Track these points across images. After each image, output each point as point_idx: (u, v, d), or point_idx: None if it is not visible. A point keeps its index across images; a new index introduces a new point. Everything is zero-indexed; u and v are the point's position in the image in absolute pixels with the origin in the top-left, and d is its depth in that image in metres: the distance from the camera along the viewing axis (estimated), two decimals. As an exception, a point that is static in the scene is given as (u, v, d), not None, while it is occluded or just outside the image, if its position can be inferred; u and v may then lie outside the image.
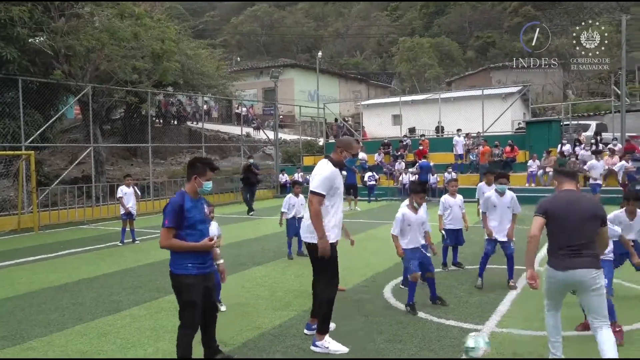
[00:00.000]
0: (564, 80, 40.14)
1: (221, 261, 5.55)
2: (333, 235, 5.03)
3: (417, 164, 20.57)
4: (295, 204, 9.86)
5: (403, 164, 22.46)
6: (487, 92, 26.71)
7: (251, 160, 19.18)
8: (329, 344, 5.01)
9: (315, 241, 4.93)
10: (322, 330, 5.07)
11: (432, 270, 6.45)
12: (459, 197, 8.40)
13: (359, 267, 8.63)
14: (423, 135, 25.75)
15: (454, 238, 8.33)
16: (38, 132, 16.35)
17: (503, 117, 25.10)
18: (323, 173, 4.98)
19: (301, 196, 9.85)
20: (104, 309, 6.62)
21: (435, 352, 4.94)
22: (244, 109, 31.67)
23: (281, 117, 32.68)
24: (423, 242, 6.46)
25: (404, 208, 6.43)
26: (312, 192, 4.94)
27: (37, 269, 9.34)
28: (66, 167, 20.00)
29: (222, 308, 6.32)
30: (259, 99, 41.26)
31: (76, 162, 19.22)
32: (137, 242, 11.97)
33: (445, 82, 48.10)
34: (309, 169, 25.64)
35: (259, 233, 13.08)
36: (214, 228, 6.04)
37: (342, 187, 5.20)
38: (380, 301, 6.74)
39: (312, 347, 5.05)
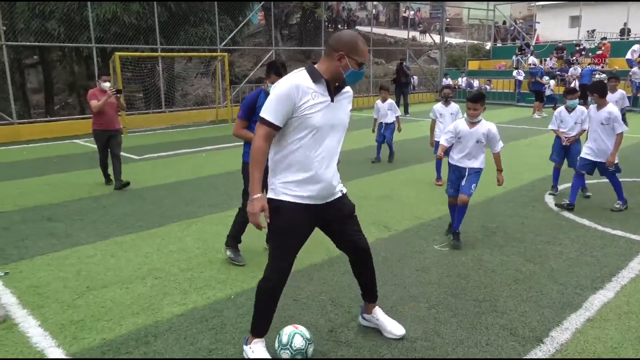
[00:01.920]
0: None
1: None
2: (289, 192, 2.85)
3: (581, 70, 18.05)
4: (381, 109, 9.11)
5: (579, 69, 19.86)
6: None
7: (403, 62, 18.62)
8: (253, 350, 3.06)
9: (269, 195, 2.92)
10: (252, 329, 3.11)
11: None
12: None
13: (520, 172, 8.20)
14: (605, 38, 22.28)
15: None
16: (230, 36, 17.55)
17: None
18: (277, 89, 2.73)
19: (388, 101, 9.12)
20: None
21: (597, 258, 4.63)
22: (412, 13, 30.15)
23: (448, 20, 30.59)
24: None
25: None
26: (259, 118, 2.76)
27: (232, 153, 10.47)
28: (252, 68, 21.43)
29: None
30: (426, 1, 38.87)
31: (260, 64, 20.45)
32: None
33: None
34: (473, 74, 24.16)
35: (421, 134, 12.94)
36: None
37: (327, 118, 2.81)
38: (540, 205, 6.41)
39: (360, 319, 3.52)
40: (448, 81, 23.48)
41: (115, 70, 13.30)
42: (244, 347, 3.12)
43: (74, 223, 5.86)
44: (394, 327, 3.35)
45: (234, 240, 4.71)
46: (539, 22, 28.38)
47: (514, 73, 21.77)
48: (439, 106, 7.58)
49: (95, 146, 7.81)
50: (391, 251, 4.87)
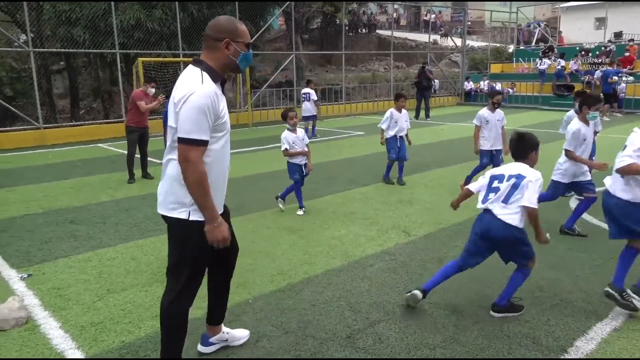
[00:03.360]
0: None
1: None
2: (217, 203, 2.69)
3: (599, 73, 17.59)
4: (399, 121, 7.94)
5: (610, 68, 19.44)
6: None
7: (425, 65, 18.46)
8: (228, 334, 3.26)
9: (181, 216, 2.64)
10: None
11: None
12: None
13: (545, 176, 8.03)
14: (632, 39, 21.76)
15: None
16: (251, 41, 17.65)
17: None
18: (193, 101, 2.44)
19: (405, 112, 8.07)
20: (305, 195, 7.23)
21: (624, 266, 4.49)
22: (433, 16, 29.98)
23: (470, 23, 30.32)
24: None
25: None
26: (185, 141, 2.44)
27: (252, 158, 10.53)
28: (272, 73, 21.53)
29: (299, 212, 6.36)
30: (448, 4, 38.59)
31: (280, 69, 20.53)
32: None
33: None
34: (495, 77, 23.86)
35: (442, 138, 12.81)
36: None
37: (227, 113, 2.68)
38: (566, 210, 6.26)
39: (201, 348, 3.24)
40: (470, 84, 23.24)
41: (139, 75, 13.50)
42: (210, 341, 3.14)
43: (96, 226, 5.94)
44: (241, 332, 3.32)
45: None
46: (541, 24, 27.92)
47: (539, 64, 21.50)
48: (485, 112, 7.09)
49: (119, 150, 7.97)
50: (411, 256, 4.81)
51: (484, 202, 3.64)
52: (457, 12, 35.02)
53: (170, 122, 2.55)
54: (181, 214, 2.62)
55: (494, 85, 22.43)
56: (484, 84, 22.87)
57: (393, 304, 3.82)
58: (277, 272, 4.49)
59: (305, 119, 13.34)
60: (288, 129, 6.28)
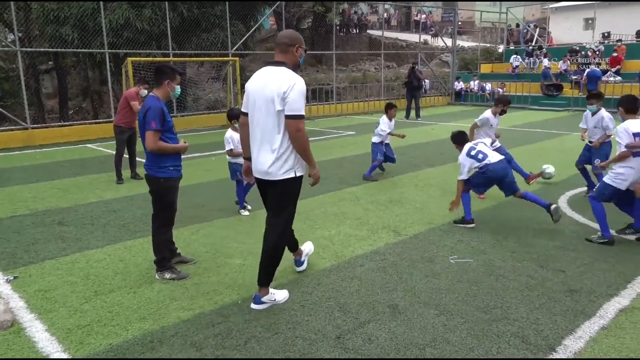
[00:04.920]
0: None
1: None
2: (301, 166, 3.68)
3: (586, 73, 17.67)
4: (389, 127, 8.32)
5: (596, 69, 19.67)
6: None
7: (415, 65, 18.49)
8: (276, 294, 3.88)
9: (290, 175, 3.60)
10: (268, 283, 3.84)
11: None
12: None
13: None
14: (620, 40, 21.96)
15: None
16: (241, 41, 17.61)
17: None
18: (299, 88, 3.40)
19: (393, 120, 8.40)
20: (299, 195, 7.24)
21: (611, 264, 4.52)
22: (423, 16, 30.07)
23: (460, 23, 30.44)
24: None
25: None
26: (296, 117, 3.40)
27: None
28: (263, 73, 21.45)
29: (244, 213, 6.36)
30: (438, 5, 38.73)
31: (271, 68, 20.45)
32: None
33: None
34: (485, 77, 23.96)
35: (432, 137, 12.84)
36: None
37: None
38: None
39: (255, 305, 3.78)
40: (460, 84, 23.31)
41: (128, 75, 13.40)
42: (264, 298, 3.77)
43: (84, 227, 5.88)
44: (283, 293, 3.93)
45: (166, 261, 4.39)
46: (524, 25, 28.11)
47: (511, 59, 21.72)
48: (491, 116, 6.96)
49: (107, 150, 7.90)
50: (401, 256, 4.81)
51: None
52: (448, 13, 35.15)
53: (278, 107, 3.41)
54: (290, 174, 3.60)
55: (484, 85, 22.55)
56: (474, 84, 22.97)
57: (383, 304, 3.81)
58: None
59: None
60: (233, 129, 6.25)
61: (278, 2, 18.81)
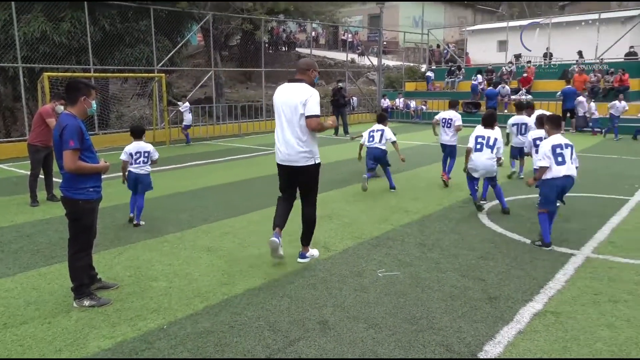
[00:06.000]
0: (696, 2, 34.37)
1: None
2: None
3: (561, 90, 18.42)
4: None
5: (507, 88, 21.11)
6: (604, 15, 23.58)
7: (340, 84, 18.97)
8: (313, 251, 5.26)
9: (311, 162, 4.86)
10: (309, 243, 5.22)
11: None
12: None
13: (454, 190, 8.48)
14: (529, 62, 23.71)
15: None
16: (167, 57, 17.23)
17: (621, 44, 22.16)
18: (316, 96, 4.75)
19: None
20: (225, 213, 7.14)
21: (526, 271, 4.81)
22: (350, 36, 30.89)
23: (385, 43, 31.58)
24: None
25: None
26: (316, 116, 4.71)
27: (170, 176, 10.18)
28: (191, 89, 21.10)
29: (141, 223, 6.57)
30: (364, 25, 39.99)
31: (199, 85, 20.18)
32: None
33: (559, 5, 43.16)
34: (410, 95, 24.94)
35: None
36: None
37: None
38: (475, 221, 6.62)
39: (300, 260, 5.09)
40: (387, 102, 24.09)
41: (44, 91, 12.67)
42: (307, 254, 5.17)
43: (-8, 254, 5.44)
44: (316, 251, 5.28)
45: (85, 287, 4.15)
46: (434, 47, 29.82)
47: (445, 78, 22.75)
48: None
49: (21, 171, 7.38)
50: (330, 272, 4.84)
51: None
52: (373, 33, 36.32)
53: (300, 111, 4.70)
54: (311, 161, 4.86)
55: (409, 102, 23.43)
56: (399, 102, 23.83)
57: (313, 321, 3.81)
58: (194, 294, 4.34)
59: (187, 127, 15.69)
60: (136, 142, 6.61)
61: (205, 19, 18.62)
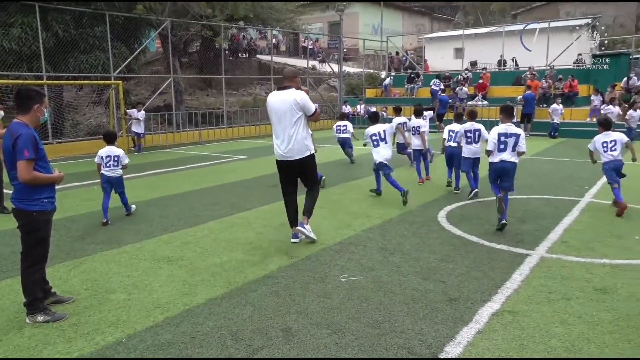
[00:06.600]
0: (637, 12, 36.35)
1: None
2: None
3: (522, 96, 18.93)
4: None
5: (465, 89, 21.93)
6: (553, 24, 24.57)
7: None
8: (309, 226, 5.99)
9: (308, 154, 5.74)
10: (311, 214, 6.09)
11: None
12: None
13: (415, 194, 8.63)
14: (485, 68, 24.44)
15: None
16: (124, 64, 16.86)
17: (570, 51, 23.16)
18: (306, 96, 5.65)
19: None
20: (185, 222, 7.02)
21: (484, 272, 4.94)
22: (310, 43, 31.06)
23: (345, 50, 31.89)
24: None
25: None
26: (314, 111, 5.70)
27: (129, 185, 9.89)
28: (150, 97, 20.69)
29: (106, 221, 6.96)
30: (324, 32, 40.29)
31: (158, 92, 19.82)
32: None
33: (511, 14, 44.73)
34: (370, 101, 25.26)
35: (322, 160, 13.17)
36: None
37: None
38: (435, 224, 6.75)
39: (300, 228, 5.87)
40: (348, 108, 24.31)
41: (-7, 99, 12.17)
42: (305, 227, 5.92)
43: (-63, 271, 5.17)
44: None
45: (38, 302, 4.01)
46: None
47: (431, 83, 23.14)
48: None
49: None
50: (294, 278, 4.83)
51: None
52: (334, 40, 36.62)
53: (298, 112, 5.58)
54: (308, 152, 5.71)
55: (370, 108, 23.70)
56: (360, 108, 24.08)
57: (276, 328, 3.79)
58: (154, 306, 4.24)
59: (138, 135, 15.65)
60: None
61: (164, 25, 18.34)
